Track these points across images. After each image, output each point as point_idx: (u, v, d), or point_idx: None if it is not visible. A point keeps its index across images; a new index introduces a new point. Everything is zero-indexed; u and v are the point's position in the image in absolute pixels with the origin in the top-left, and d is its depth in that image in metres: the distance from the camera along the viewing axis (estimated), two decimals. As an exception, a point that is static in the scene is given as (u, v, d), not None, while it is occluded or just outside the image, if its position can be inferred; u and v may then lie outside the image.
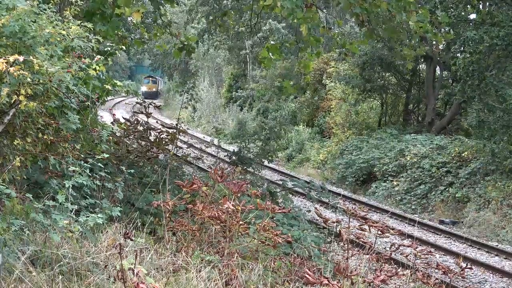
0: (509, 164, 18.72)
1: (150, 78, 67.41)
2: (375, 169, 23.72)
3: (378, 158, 23.92)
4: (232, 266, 6.21)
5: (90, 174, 5.87)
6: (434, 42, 26.20)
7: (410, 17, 9.75)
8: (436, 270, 8.99)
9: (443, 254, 14.13)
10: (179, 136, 11.68)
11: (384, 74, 29.24)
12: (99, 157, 5.95)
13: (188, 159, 15.72)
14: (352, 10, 10.37)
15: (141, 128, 11.28)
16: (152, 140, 11.29)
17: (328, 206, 17.39)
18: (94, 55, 6.03)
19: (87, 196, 6.32)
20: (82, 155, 6.24)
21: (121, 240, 5.72)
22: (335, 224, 8.37)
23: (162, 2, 13.58)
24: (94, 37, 6.17)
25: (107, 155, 6.09)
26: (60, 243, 5.51)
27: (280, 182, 15.88)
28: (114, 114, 11.72)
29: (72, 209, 5.47)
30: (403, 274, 7.51)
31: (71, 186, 5.52)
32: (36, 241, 5.58)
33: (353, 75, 28.54)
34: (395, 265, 10.41)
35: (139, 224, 7.19)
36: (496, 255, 14.62)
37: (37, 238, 5.65)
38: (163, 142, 11.25)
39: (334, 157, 27.20)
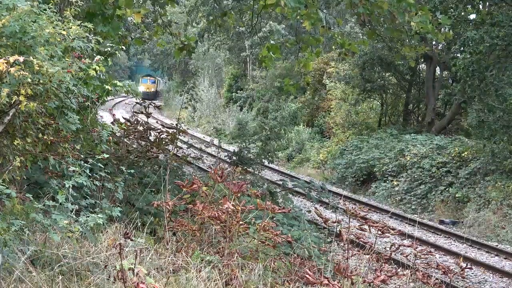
0: (509, 164, 18.72)
1: (149, 77, 64.86)
2: (375, 169, 23.73)
3: (378, 158, 23.93)
4: (232, 266, 6.21)
5: (90, 174, 5.87)
6: (434, 42, 26.24)
7: (412, 17, 9.75)
8: (436, 270, 8.99)
9: (443, 254, 14.13)
10: (179, 136, 11.69)
11: (384, 74, 29.25)
12: (99, 157, 5.95)
13: (188, 159, 15.73)
14: (353, 10, 10.38)
15: (141, 128, 11.28)
16: (152, 140, 11.29)
17: (328, 206, 17.39)
18: (94, 55, 6.03)
19: (87, 196, 6.32)
20: (82, 155, 6.24)
21: (121, 240, 5.72)
22: (335, 224, 8.37)
23: (163, 1, 13.58)
24: (94, 37, 6.17)
25: (107, 155, 6.09)
26: (60, 243, 5.51)
27: (280, 182, 15.87)
28: (114, 114, 11.71)
29: (72, 209, 5.47)
30: (403, 274, 7.52)
31: (71, 186, 5.52)
32: (36, 241, 5.58)
33: (353, 75, 28.55)
34: (395, 265, 10.41)
35: (139, 224, 7.19)
36: (496, 255, 14.62)
37: (37, 238, 5.65)
38: (163, 142, 11.26)
39: (334, 157, 27.20)
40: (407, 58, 18.34)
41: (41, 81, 5.16)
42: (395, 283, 9.59)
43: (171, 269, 5.89)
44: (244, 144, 18.51)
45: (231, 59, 45.19)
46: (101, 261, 5.49)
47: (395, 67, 28.23)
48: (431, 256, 11.77)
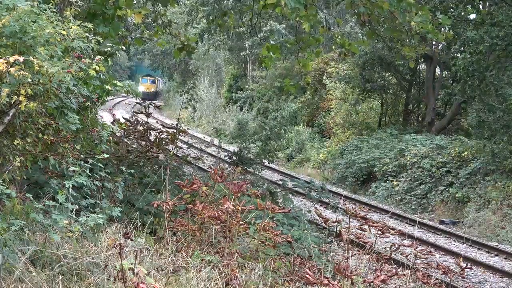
0: (509, 164, 18.72)
1: (149, 77, 64.53)
2: (375, 169, 23.73)
3: (378, 158, 23.92)
4: (232, 266, 6.21)
5: (90, 174, 5.87)
6: (434, 42, 26.25)
7: (412, 17, 9.75)
8: (436, 270, 8.99)
9: (443, 254, 14.13)
10: (179, 136, 11.69)
11: (384, 74, 29.25)
12: (99, 157, 5.95)
13: (188, 159, 15.74)
14: (354, 10, 10.38)
15: (141, 128, 11.29)
16: (152, 140, 11.30)
17: (328, 206, 17.38)
18: (93, 56, 6.04)
19: (87, 196, 6.33)
20: (82, 155, 6.24)
21: (121, 240, 5.72)
22: (335, 224, 8.37)
23: (164, 0, 13.56)
24: (94, 37, 6.17)
25: (107, 155, 6.09)
26: (60, 243, 5.51)
27: (280, 182, 15.87)
28: (114, 114, 11.72)
29: (72, 209, 5.47)
30: (403, 274, 7.51)
31: (71, 186, 5.52)
32: (36, 241, 5.58)
33: (353, 75, 28.55)
34: (395, 265, 10.41)
35: (139, 224, 7.19)
36: (496, 255, 14.62)
37: (37, 238, 5.65)
38: (163, 142, 11.26)
39: (334, 157, 27.20)
40: (407, 58, 18.35)
41: (41, 81, 5.16)
42: (395, 283, 9.58)
43: (171, 269, 5.89)
44: (244, 144, 18.51)
45: (231, 59, 45.18)
46: (101, 261, 5.49)
47: (395, 67, 28.23)
48: (431, 256, 11.77)
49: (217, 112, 43.05)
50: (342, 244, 11.63)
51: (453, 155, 21.27)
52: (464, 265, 7.62)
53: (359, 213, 7.32)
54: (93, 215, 5.46)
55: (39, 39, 5.32)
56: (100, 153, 6.11)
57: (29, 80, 4.97)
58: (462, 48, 22.29)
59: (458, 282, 11.20)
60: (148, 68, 71.73)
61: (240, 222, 6.78)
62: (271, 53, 11.91)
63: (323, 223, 11.14)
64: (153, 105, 14.21)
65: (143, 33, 15.74)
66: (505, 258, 14.33)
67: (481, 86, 19.50)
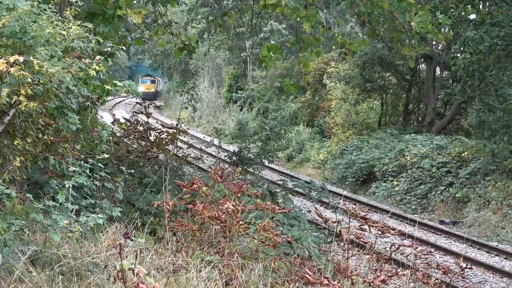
0: (509, 164, 18.72)
1: (149, 77, 64.33)
2: (375, 169, 23.72)
3: (378, 158, 23.92)
4: (232, 266, 6.21)
5: (90, 174, 5.87)
6: (434, 42, 26.25)
7: (412, 17, 9.75)
8: (436, 270, 8.99)
9: (443, 254, 14.13)
10: (179, 136, 11.70)
11: (384, 74, 29.23)
12: (99, 157, 5.95)
13: (188, 159, 15.73)
14: (354, 10, 10.39)
15: (141, 128, 11.30)
16: (152, 140, 11.31)
17: (328, 206, 17.38)
18: (94, 55, 6.03)
19: (87, 196, 6.33)
20: (82, 155, 6.24)
21: (121, 240, 5.71)
22: (335, 224, 8.38)
23: (165, 0, 13.56)
24: (94, 37, 6.17)
25: (107, 155, 6.09)
26: (60, 243, 5.51)
27: (280, 182, 15.87)
28: (114, 114, 11.74)
29: (72, 209, 5.47)
30: (403, 274, 7.51)
31: (71, 186, 5.52)
32: (36, 241, 5.58)
33: (353, 75, 28.54)
34: (395, 265, 10.41)
35: (139, 224, 7.19)
36: (496, 255, 14.62)
37: (37, 238, 5.65)
38: (163, 142, 11.27)
39: (334, 157, 27.20)
40: (407, 58, 18.36)
41: (41, 81, 5.16)
42: (395, 283, 9.59)
43: (171, 269, 5.89)
44: (244, 144, 18.50)
45: (231, 59, 45.17)
46: (101, 261, 5.49)
47: (395, 67, 28.22)
48: (431, 256, 11.78)
49: (217, 112, 43.04)
50: (342, 244, 11.63)
51: (453, 155, 21.27)
52: (464, 265, 7.63)
53: (359, 213, 7.32)
54: (93, 215, 5.46)
55: (39, 39, 5.32)
56: (100, 153, 6.12)
57: (29, 80, 4.97)
58: (462, 48, 22.29)
59: (458, 282, 11.19)
60: (148, 68, 71.54)
61: (240, 222, 6.78)
62: (271, 53, 11.91)
63: (323, 223, 11.14)
64: (153, 105, 14.24)
65: (143, 33, 15.74)
66: (505, 258, 14.33)
67: (481, 86, 19.50)
